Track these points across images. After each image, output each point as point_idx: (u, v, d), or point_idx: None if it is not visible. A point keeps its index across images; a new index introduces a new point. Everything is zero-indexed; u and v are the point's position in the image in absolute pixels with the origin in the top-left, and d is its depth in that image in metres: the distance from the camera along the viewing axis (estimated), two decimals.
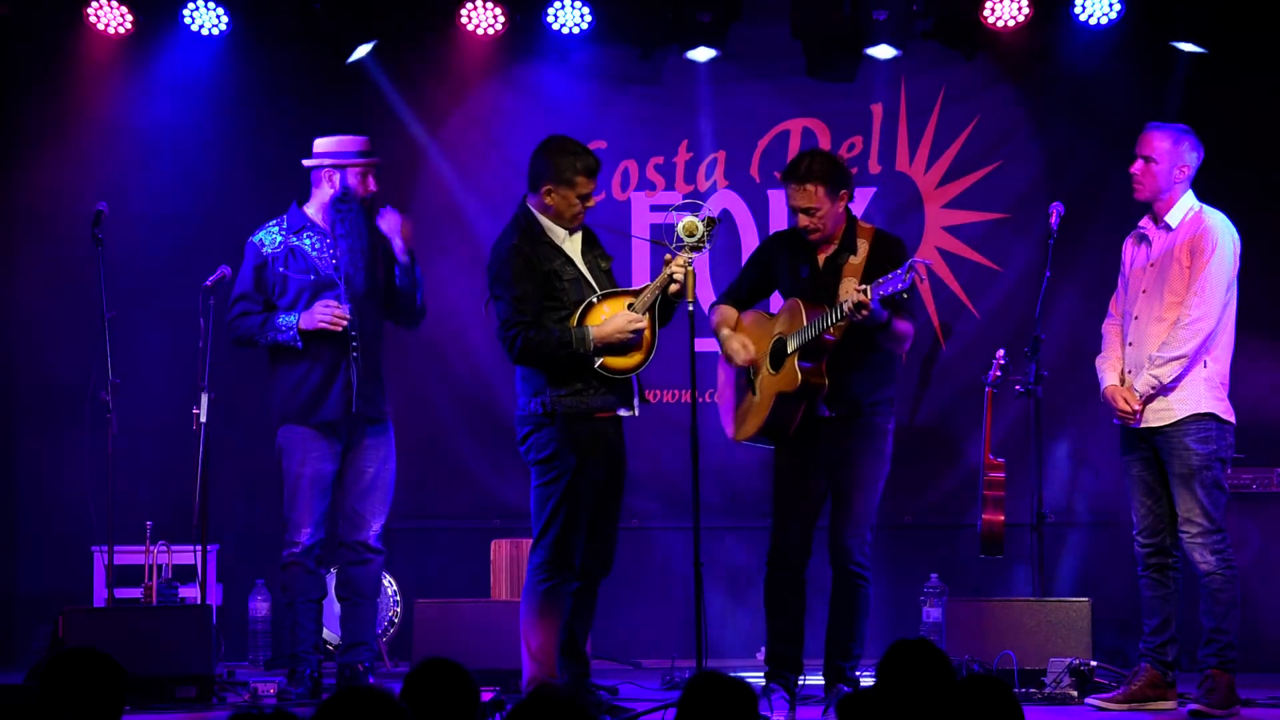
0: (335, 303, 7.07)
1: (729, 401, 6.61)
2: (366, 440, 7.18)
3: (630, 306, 6.14)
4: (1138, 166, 6.57)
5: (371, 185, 7.22)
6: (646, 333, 6.18)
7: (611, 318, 6.11)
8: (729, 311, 6.58)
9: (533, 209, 6.24)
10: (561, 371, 6.09)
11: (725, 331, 6.51)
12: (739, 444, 6.67)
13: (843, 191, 6.37)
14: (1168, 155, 6.53)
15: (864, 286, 6.05)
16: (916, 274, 5.95)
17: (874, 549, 6.45)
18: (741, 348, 6.44)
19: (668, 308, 6.30)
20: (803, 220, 6.37)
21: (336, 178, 7.18)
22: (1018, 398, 7.59)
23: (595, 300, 6.16)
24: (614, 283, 6.33)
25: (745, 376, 6.52)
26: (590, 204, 6.25)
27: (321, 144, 7.23)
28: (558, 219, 6.22)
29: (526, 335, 6.05)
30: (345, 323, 7.05)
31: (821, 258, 6.42)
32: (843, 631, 6.38)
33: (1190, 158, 6.56)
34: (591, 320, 6.12)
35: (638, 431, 8.56)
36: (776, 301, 6.78)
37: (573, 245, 6.26)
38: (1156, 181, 6.55)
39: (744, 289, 6.67)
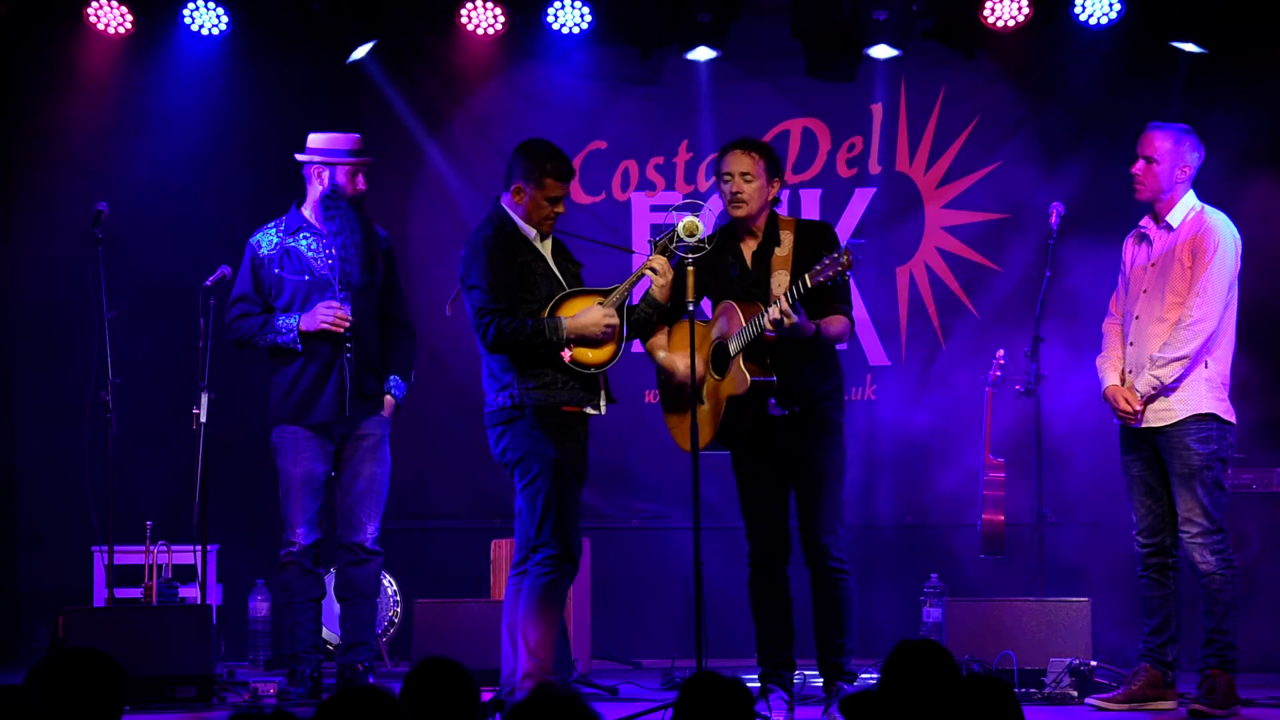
0: (337, 304, 7.07)
1: (675, 416, 6.55)
2: (362, 440, 7.18)
3: (600, 304, 6.13)
4: (1139, 167, 6.56)
5: (360, 184, 7.19)
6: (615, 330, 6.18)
7: (586, 310, 6.11)
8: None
9: (505, 207, 6.25)
10: (532, 362, 6.09)
11: (661, 354, 6.39)
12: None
13: (776, 180, 6.36)
14: (1169, 155, 6.52)
15: (784, 295, 6.00)
16: (853, 256, 5.89)
17: (855, 546, 6.44)
18: (687, 368, 6.37)
19: (664, 313, 6.26)
20: (734, 185, 6.28)
21: (326, 175, 7.18)
22: (1018, 398, 7.59)
23: (565, 296, 6.16)
24: (583, 285, 6.30)
25: (685, 390, 6.42)
26: (559, 210, 6.24)
27: (314, 140, 7.23)
28: (527, 220, 6.22)
29: (500, 323, 6.05)
30: (347, 324, 7.06)
31: (748, 255, 6.39)
32: (831, 629, 6.36)
33: (1192, 157, 6.55)
34: (562, 314, 6.11)
35: (637, 431, 8.61)
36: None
37: (544, 247, 6.27)
38: (1158, 181, 6.54)
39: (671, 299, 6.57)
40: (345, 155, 7.17)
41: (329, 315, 7.04)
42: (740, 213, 6.34)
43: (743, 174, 6.31)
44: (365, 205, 7.29)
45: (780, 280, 6.23)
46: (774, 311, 6.01)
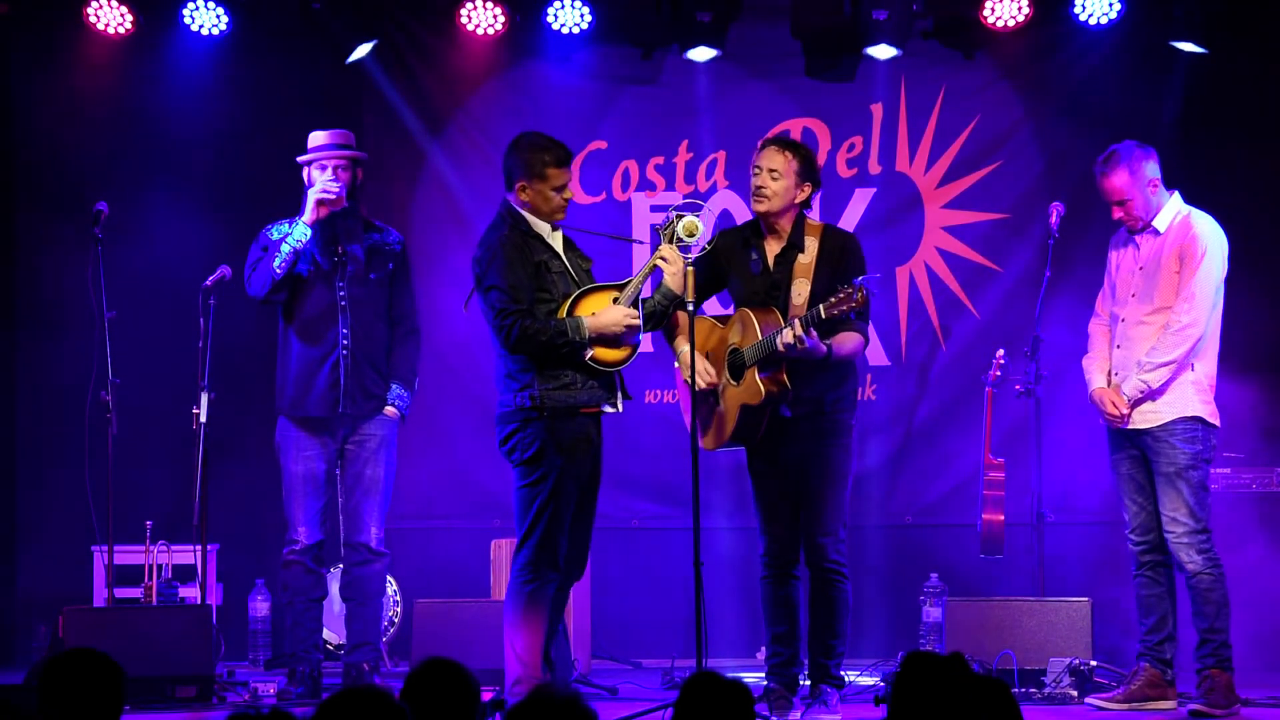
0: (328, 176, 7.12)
1: (690, 411, 6.55)
2: (365, 440, 7.18)
3: (615, 300, 6.12)
4: (1119, 213, 6.59)
5: (337, 177, 7.14)
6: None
7: (607, 310, 6.09)
8: (679, 318, 6.44)
9: (515, 205, 6.22)
10: (552, 363, 6.07)
11: (685, 348, 6.39)
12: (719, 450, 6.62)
13: (808, 184, 6.36)
14: (1133, 186, 6.53)
15: (798, 319, 6.03)
16: (868, 291, 5.91)
17: (855, 546, 6.44)
18: (705, 370, 6.36)
19: (665, 308, 6.25)
20: (759, 180, 6.32)
21: (308, 173, 7.20)
22: (1018, 398, 7.59)
23: (581, 293, 6.14)
24: (594, 282, 6.29)
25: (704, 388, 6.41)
26: (568, 195, 6.21)
27: (310, 139, 7.25)
28: (538, 214, 6.19)
29: (523, 324, 6.02)
30: (335, 191, 7.06)
31: (770, 255, 6.40)
32: (824, 631, 6.37)
33: (1151, 168, 6.55)
34: (580, 312, 6.10)
35: (638, 431, 8.62)
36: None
37: (556, 242, 6.25)
38: (1141, 210, 6.55)
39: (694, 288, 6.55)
40: (322, 149, 7.17)
41: (318, 189, 7.07)
42: (761, 208, 6.36)
43: (771, 170, 6.33)
44: (365, 206, 7.30)
45: (800, 289, 6.23)
46: (787, 335, 6.04)
